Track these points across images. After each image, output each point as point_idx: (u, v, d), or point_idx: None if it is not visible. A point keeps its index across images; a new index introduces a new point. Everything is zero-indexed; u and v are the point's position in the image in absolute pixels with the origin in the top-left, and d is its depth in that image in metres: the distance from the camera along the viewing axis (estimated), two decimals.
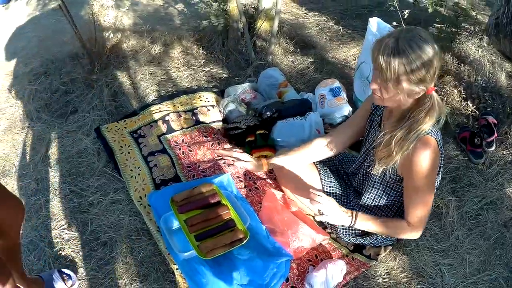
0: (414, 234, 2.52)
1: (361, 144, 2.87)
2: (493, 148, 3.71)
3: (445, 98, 4.12)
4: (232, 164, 3.17)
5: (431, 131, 2.26)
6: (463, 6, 5.09)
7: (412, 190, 2.39)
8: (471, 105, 4.09)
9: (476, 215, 3.25)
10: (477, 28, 5.21)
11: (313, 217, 2.93)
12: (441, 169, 2.52)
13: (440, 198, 3.29)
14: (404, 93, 2.19)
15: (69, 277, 2.66)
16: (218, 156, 3.28)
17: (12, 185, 3.22)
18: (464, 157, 3.66)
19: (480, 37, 5.03)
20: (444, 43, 4.72)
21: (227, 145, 3.47)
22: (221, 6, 4.65)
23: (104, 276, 2.72)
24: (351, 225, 2.51)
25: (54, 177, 3.36)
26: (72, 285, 2.64)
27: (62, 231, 2.98)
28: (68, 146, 3.66)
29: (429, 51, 2.10)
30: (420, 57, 2.08)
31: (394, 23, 4.16)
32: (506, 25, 4.53)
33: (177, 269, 2.68)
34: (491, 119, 3.78)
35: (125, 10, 5.18)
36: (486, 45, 4.96)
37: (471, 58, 4.64)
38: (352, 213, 2.50)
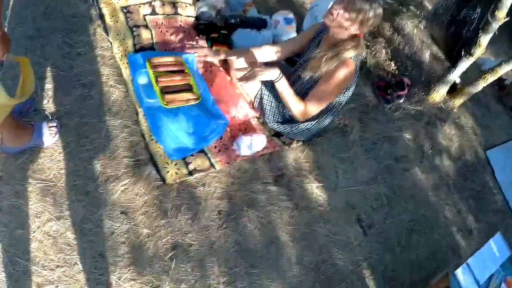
0: (302, 116, 3.28)
1: (294, 62, 3.69)
2: (401, 101, 4.51)
3: (374, 53, 4.92)
4: (195, 52, 3.82)
5: (353, 58, 3.13)
6: None
7: (321, 90, 3.20)
8: (393, 65, 4.91)
9: (374, 142, 4.02)
10: (421, 12, 6.00)
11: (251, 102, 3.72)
12: (352, 88, 3.37)
13: (348, 119, 4.05)
14: (349, 25, 3.06)
15: (56, 128, 3.08)
16: (188, 47, 3.93)
17: (10, 29, 3.43)
18: (375, 99, 4.45)
19: (420, 20, 5.80)
20: (387, 15, 5.47)
21: (196, 37, 4.17)
22: None
23: (82, 106, 3.26)
24: (276, 79, 3.16)
25: (50, 29, 3.65)
26: (56, 133, 3.06)
27: (51, 69, 3.39)
28: (65, 8, 4.06)
29: (380, 11, 3.04)
30: (375, 10, 3.00)
31: None
32: (441, 15, 5.23)
33: (141, 111, 3.41)
34: (406, 80, 4.56)
35: None
36: (422, 27, 5.75)
37: (406, 32, 5.47)
38: (280, 74, 3.16)
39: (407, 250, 3.36)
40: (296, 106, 3.19)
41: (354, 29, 3.03)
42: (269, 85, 3.52)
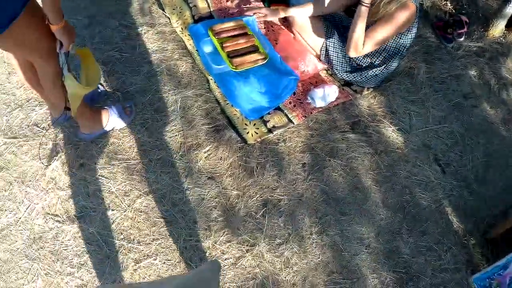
0: (355, 51, 3.22)
1: (353, 12, 3.68)
2: (462, 39, 4.45)
3: None
4: (254, 13, 3.86)
5: (413, 0, 3.09)
6: None
7: (379, 31, 3.14)
8: (449, 4, 4.84)
9: (442, 81, 4.00)
10: None
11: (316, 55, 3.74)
12: (414, 29, 3.34)
13: (413, 62, 4.05)
14: None
15: (131, 108, 3.20)
16: (246, 10, 3.97)
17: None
18: (437, 40, 4.40)
19: None
20: None
21: (251, 0, 4.17)
22: None
23: (152, 83, 3.43)
24: (366, 2, 3.10)
25: (105, 14, 3.80)
26: (131, 113, 3.19)
27: (114, 53, 3.52)
28: None
29: None
30: None
31: None
32: None
33: (211, 79, 3.48)
34: (464, 18, 4.47)
35: None
36: None
37: None
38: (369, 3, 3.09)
39: (485, 185, 3.33)
40: (359, 36, 3.15)
41: None
42: (333, 36, 3.58)
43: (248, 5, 4.02)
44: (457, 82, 4.06)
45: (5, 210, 2.74)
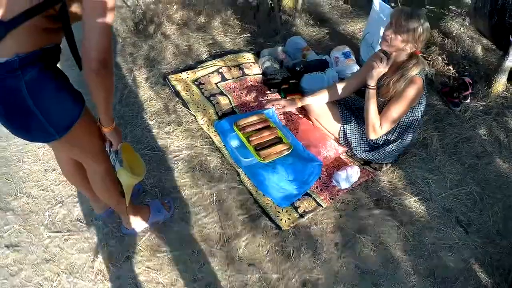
0: (374, 134, 3.47)
1: (363, 93, 3.88)
2: (468, 100, 4.69)
3: (431, 62, 5.15)
4: (273, 105, 4.13)
5: (418, 74, 3.36)
6: None
7: (394, 104, 3.33)
8: (452, 68, 5.12)
9: (454, 146, 4.21)
10: (463, 10, 6.20)
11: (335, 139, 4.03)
12: (423, 102, 3.60)
13: (426, 133, 4.27)
14: (405, 45, 3.31)
15: (169, 203, 3.35)
16: (266, 103, 4.22)
17: None
18: (445, 106, 4.65)
19: (463, 17, 5.98)
20: (432, 22, 5.66)
21: (268, 92, 4.51)
22: None
23: (187, 179, 3.60)
24: (372, 86, 3.41)
25: (132, 114, 4.08)
26: (170, 208, 3.33)
27: (147, 151, 3.78)
28: (140, 92, 4.51)
29: (427, 25, 3.26)
30: (423, 25, 3.24)
31: (393, 4, 5.16)
32: (481, 8, 5.29)
33: (241, 171, 3.72)
34: (467, 79, 4.72)
35: None
36: (467, 24, 5.91)
37: (454, 34, 5.68)
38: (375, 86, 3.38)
39: (507, 238, 3.52)
40: (374, 120, 3.38)
41: (410, 48, 3.23)
42: (349, 119, 3.86)
43: (266, 98, 4.33)
44: (469, 144, 4.26)
45: None
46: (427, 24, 3.26)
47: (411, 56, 3.38)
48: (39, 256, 3.02)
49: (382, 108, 3.45)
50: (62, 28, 2.02)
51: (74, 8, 2.00)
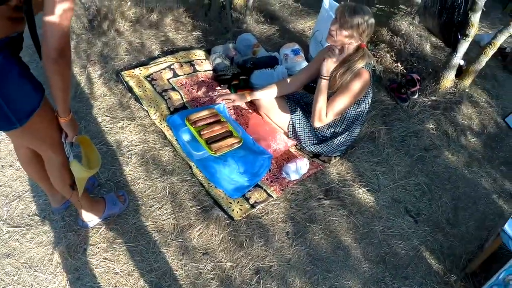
0: (319, 122, 3.58)
1: (312, 88, 4.06)
2: (416, 96, 4.83)
3: (380, 60, 5.28)
4: (223, 100, 4.20)
5: (366, 67, 3.47)
6: None
7: (340, 94, 3.47)
8: (400, 65, 5.25)
9: (402, 140, 4.35)
10: (412, 9, 6.34)
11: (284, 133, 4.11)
12: (370, 95, 3.71)
13: (374, 126, 4.38)
14: (349, 39, 3.42)
15: (124, 196, 3.38)
16: (216, 99, 4.28)
17: None
18: (393, 101, 4.78)
19: (413, 16, 6.12)
20: (382, 20, 5.89)
21: (218, 88, 4.58)
22: None
23: (140, 172, 3.65)
24: (324, 76, 3.53)
25: (87, 110, 4.09)
26: (124, 200, 3.36)
27: (101, 146, 3.81)
28: (94, 88, 4.53)
29: (371, 19, 3.36)
30: (367, 21, 3.35)
31: (342, 2, 5.10)
32: (430, 7, 5.43)
33: (193, 165, 3.78)
34: (415, 76, 4.88)
35: None
36: (416, 23, 6.06)
37: (403, 32, 5.81)
38: (328, 77, 3.51)
39: (457, 226, 3.55)
40: (322, 107, 3.48)
41: (355, 41, 3.36)
42: (297, 113, 3.97)
43: (216, 93, 4.40)
44: (417, 137, 4.40)
45: None
46: (371, 19, 3.36)
47: (357, 49, 3.49)
48: None
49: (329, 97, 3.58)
50: (25, 17, 2.05)
51: None
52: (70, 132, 2.39)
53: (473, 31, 4.50)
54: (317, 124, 3.53)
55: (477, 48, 5.48)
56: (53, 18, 1.90)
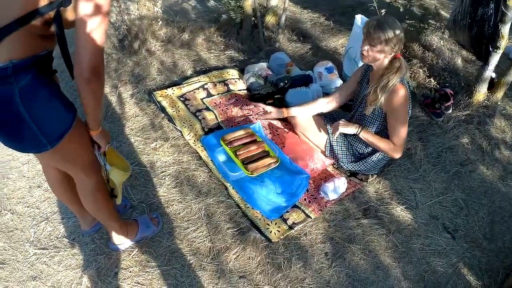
0: (397, 153, 3.52)
1: (350, 107, 4.04)
2: (450, 111, 4.78)
3: (413, 75, 5.25)
4: (259, 116, 4.23)
5: (401, 81, 3.44)
6: (426, 6, 6.24)
7: (395, 118, 3.43)
8: (433, 81, 5.21)
9: (438, 156, 4.31)
10: (442, 23, 6.32)
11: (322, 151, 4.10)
12: (409, 110, 3.62)
13: (410, 143, 4.34)
14: (382, 53, 3.40)
15: (157, 218, 3.36)
16: (250, 110, 4.35)
17: None
18: (427, 117, 4.74)
19: (443, 30, 6.10)
20: (413, 35, 5.85)
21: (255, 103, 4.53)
22: (238, 3, 5.77)
23: (175, 194, 3.62)
24: (357, 132, 3.55)
25: (119, 130, 4.08)
26: (158, 223, 3.34)
27: (134, 167, 3.78)
28: (126, 108, 4.53)
29: (398, 30, 3.34)
30: (394, 32, 3.32)
31: (370, 19, 5.22)
32: (460, 20, 5.41)
33: (229, 186, 3.76)
34: (449, 90, 4.83)
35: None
36: (447, 37, 6.03)
37: (434, 47, 5.76)
38: (358, 126, 3.64)
39: (494, 241, 3.48)
40: (386, 146, 3.50)
41: (388, 54, 3.33)
42: None
43: (252, 107, 4.39)
44: (452, 153, 4.35)
45: None
46: (398, 29, 3.34)
47: (392, 61, 3.46)
48: (25, 274, 3.01)
49: (375, 116, 3.66)
50: (55, 35, 2.04)
51: (68, 14, 2.02)
52: (102, 143, 2.40)
53: (503, 43, 4.46)
54: (397, 156, 3.59)
55: (506, 60, 5.39)
56: (86, 35, 1.90)
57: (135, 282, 3.09)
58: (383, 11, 5.19)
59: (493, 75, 4.90)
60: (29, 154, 3.77)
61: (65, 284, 3.05)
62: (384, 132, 3.58)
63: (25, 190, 3.65)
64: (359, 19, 4.90)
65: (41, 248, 3.23)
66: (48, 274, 3.09)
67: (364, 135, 3.55)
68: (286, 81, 4.54)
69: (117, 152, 2.88)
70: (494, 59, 4.61)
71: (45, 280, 3.06)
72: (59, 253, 3.21)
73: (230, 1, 5.70)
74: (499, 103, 4.98)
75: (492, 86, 4.96)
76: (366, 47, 3.32)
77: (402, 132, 3.43)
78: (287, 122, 4.14)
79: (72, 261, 3.15)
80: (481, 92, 4.87)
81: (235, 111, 4.37)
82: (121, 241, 3.18)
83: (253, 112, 4.25)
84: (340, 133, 3.70)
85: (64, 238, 3.29)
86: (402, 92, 3.41)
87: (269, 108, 4.01)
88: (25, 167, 3.82)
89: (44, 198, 3.57)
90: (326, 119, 3.92)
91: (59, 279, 3.07)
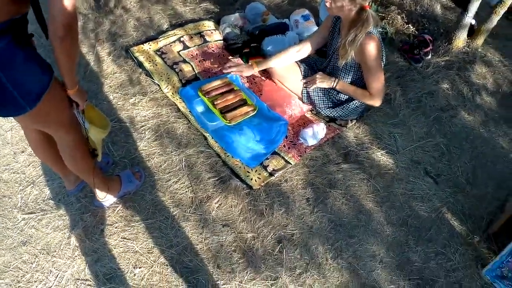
0: (375, 102, 3.58)
1: (324, 52, 4.02)
2: (429, 57, 4.78)
3: (391, 22, 5.21)
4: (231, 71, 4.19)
5: (372, 32, 3.40)
6: None
7: (367, 70, 3.50)
8: (411, 27, 5.19)
9: (418, 101, 4.31)
10: None
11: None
12: (384, 58, 3.62)
13: (389, 88, 4.34)
14: (344, 4, 3.33)
15: (140, 172, 3.36)
16: (224, 69, 4.27)
17: None
18: (406, 63, 4.73)
19: None
20: None
21: (230, 57, 4.57)
22: None
23: (155, 147, 3.64)
24: (333, 85, 3.67)
25: (97, 89, 4.08)
26: (140, 177, 3.34)
27: (114, 124, 3.74)
28: (104, 66, 4.50)
29: None
30: None
31: None
32: None
33: (208, 136, 3.75)
34: (427, 37, 4.83)
35: None
36: None
37: None
38: (333, 80, 3.68)
39: (477, 186, 3.54)
40: (364, 97, 3.57)
41: (354, 6, 3.26)
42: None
43: (228, 64, 4.32)
44: (432, 98, 4.36)
45: (35, 282, 2.82)
46: None
47: (359, 12, 3.36)
48: (15, 240, 3.04)
49: (349, 67, 3.66)
50: None
51: None
52: (80, 101, 2.39)
53: None
54: (378, 104, 3.63)
55: (486, 7, 5.35)
56: None
57: (121, 238, 3.11)
58: None
59: (473, 22, 4.91)
60: (12, 120, 3.79)
61: (54, 245, 3.07)
62: (360, 81, 3.59)
63: (9, 156, 3.64)
64: None
65: (28, 213, 3.25)
66: (38, 238, 3.11)
67: (340, 88, 3.67)
68: (261, 29, 4.53)
69: (96, 109, 2.85)
70: (474, 6, 4.60)
71: (35, 244, 3.08)
72: (46, 216, 3.22)
73: None
74: (479, 49, 4.99)
75: (472, 33, 4.96)
76: (329, 0, 3.21)
77: (377, 82, 3.45)
78: (265, 70, 4.08)
79: (59, 222, 3.18)
80: (460, 39, 4.88)
81: (212, 62, 4.42)
82: (105, 198, 3.18)
83: (223, 70, 4.21)
84: (316, 85, 3.73)
85: (50, 200, 3.30)
86: (371, 44, 3.37)
87: (238, 69, 4.03)
88: (9, 134, 3.79)
89: (28, 162, 3.57)
90: (303, 66, 3.94)
91: (48, 241, 3.09)
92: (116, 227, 3.16)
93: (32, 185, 3.42)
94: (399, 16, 5.22)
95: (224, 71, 4.10)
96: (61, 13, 1.90)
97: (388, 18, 5.17)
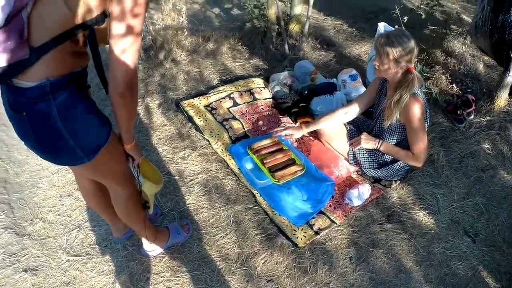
0: (418, 163, 3.58)
1: (371, 113, 4.12)
2: (472, 117, 4.83)
3: (435, 82, 5.30)
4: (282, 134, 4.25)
5: (417, 93, 3.50)
6: (448, 12, 6.27)
7: (411, 131, 3.51)
8: (455, 86, 5.26)
9: (460, 161, 4.36)
10: (464, 29, 6.36)
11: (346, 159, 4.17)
12: (428, 119, 3.72)
13: (432, 149, 4.39)
14: (391, 68, 3.47)
15: (188, 225, 3.43)
16: (274, 132, 4.34)
17: None
18: (450, 123, 4.79)
19: (465, 36, 6.11)
20: (435, 41, 5.93)
21: (280, 116, 4.67)
22: (262, 11, 5.84)
23: (204, 201, 3.70)
24: (377, 146, 3.75)
25: (147, 140, 4.16)
26: (188, 229, 3.41)
27: (163, 176, 3.76)
28: (153, 118, 4.63)
29: (408, 43, 3.39)
30: (403, 47, 3.37)
31: (397, 26, 5.25)
32: (481, 27, 5.36)
33: (257, 193, 3.86)
34: (470, 97, 4.88)
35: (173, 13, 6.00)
36: (468, 43, 6.04)
37: (456, 53, 5.80)
38: (378, 141, 3.77)
39: None
40: (407, 158, 3.61)
41: (399, 67, 3.38)
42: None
43: (279, 124, 4.47)
44: (474, 158, 4.41)
45: None
46: (409, 43, 3.38)
47: (405, 73, 3.49)
48: (58, 280, 3.08)
49: (394, 128, 3.74)
50: (89, 52, 2.12)
51: (102, 32, 2.09)
52: (136, 156, 2.44)
53: None
54: (419, 164, 3.66)
55: None
56: (120, 54, 1.98)
57: (166, 287, 3.18)
58: (405, 18, 5.30)
59: None
60: None
61: None
62: (405, 142, 3.63)
63: (55, 199, 3.75)
64: (382, 26, 4.94)
65: (73, 255, 3.32)
66: (82, 280, 3.18)
67: (384, 149, 3.72)
68: (310, 89, 4.60)
69: (150, 163, 2.94)
70: None
71: (78, 286, 3.15)
72: (92, 260, 3.30)
73: (254, 9, 5.82)
74: None
75: None
76: (376, 63, 3.40)
77: (421, 142, 3.49)
78: (313, 131, 4.12)
79: (104, 267, 3.21)
80: (502, 98, 4.91)
81: (262, 120, 4.49)
82: (152, 248, 3.20)
83: (274, 133, 4.29)
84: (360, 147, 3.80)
85: (96, 245, 3.33)
86: (416, 105, 3.47)
87: (288, 132, 4.06)
88: (55, 176, 3.93)
89: (75, 206, 3.67)
90: (349, 127, 4.00)
91: (93, 284, 3.16)
92: (162, 277, 3.23)
93: (78, 228, 3.51)
94: (443, 76, 5.29)
95: (275, 134, 4.18)
96: (123, 70, 2.00)
97: (433, 78, 5.25)
